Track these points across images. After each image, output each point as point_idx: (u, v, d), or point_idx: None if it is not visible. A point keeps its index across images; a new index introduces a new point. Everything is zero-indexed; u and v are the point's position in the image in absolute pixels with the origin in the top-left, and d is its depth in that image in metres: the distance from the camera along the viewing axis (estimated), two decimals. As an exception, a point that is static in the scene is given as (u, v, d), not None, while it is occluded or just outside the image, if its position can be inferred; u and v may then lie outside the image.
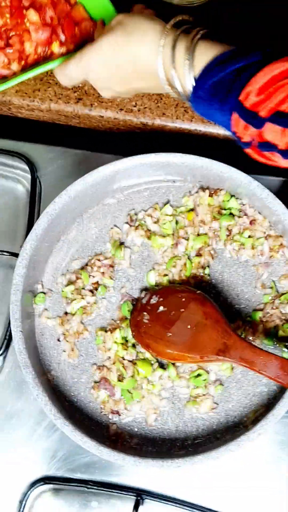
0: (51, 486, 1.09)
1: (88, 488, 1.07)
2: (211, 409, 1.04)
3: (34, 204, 1.17)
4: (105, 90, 1.03)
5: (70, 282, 1.09)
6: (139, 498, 1.05)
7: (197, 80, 0.91)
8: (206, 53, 0.91)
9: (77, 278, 1.09)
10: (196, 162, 1.05)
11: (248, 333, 1.05)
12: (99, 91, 1.04)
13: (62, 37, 1.12)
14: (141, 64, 0.95)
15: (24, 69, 1.12)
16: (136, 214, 1.12)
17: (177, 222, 1.10)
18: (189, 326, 1.02)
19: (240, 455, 1.06)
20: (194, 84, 0.92)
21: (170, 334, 1.02)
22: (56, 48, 1.12)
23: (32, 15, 1.11)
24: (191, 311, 1.03)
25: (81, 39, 1.13)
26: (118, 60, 0.96)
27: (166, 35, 0.93)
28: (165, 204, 1.12)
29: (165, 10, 1.07)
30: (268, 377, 0.96)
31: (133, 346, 1.06)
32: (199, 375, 1.05)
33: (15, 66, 1.12)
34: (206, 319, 1.01)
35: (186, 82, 0.93)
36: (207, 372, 1.05)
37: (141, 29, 0.94)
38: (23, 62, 1.12)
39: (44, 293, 1.09)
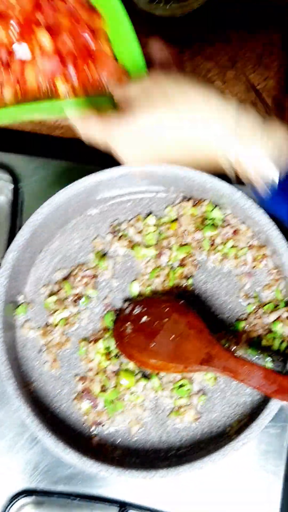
0: (33, 498, 1.08)
1: (71, 500, 1.07)
2: (195, 419, 1.04)
3: (16, 215, 1.17)
4: (132, 162, 0.92)
5: (53, 293, 1.09)
6: (122, 509, 1.05)
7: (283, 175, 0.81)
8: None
9: (60, 288, 1.09)
10: (179, 172, 1.05)
11: (231, 343, 1.05)
12: (122, 161, 0.92)
13: (73, 75, 0.94)
14: (196, 149, 0.84)
15: (19, 101, 0.96)
16: (119, 224, 1.12)
17: (160, 233, 1.10)
18: (172, 336, 1.02)
19: (223, 465, 1.05)
20: (277, 177, 0.82)
21: (154, 344, 1.02)
22: (60, 85, 0.95)
23: (44, 37, 0.92)
24: (174, 321, 1.03)
25: (96, 85, 0.97)
26: (162, 144, 0.84)
27: (238, 120, 0.80)
28: (148, 215, 1.12)
29: (148, 21, 1.07)
30: (252, 386, 0.96)
31: (116, 356, 1.06)
32: (182, 385, 1.05)
33: (8, 93, 0.95)
34: (190, 329, 1.01)
35: (264, 172, 0.82)
36: (191, 382, 1.05)
37: (196, 107, 0.80)
38: (18, 90, 0.96)
39: (27, 303, 1.09)
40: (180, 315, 1.03)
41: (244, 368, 0.97)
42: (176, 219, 1.10)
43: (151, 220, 1.11)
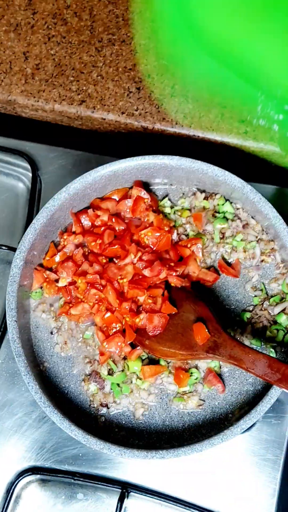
0: (38, 476, 1.11)
1: (74, 479, 1.09)
2: (198, 405, 1.07)
3: (34, 202, 1.20)
4: None
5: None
6: (124, 491, 1.07)
7: None
8: None
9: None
10: (192, 165, 1.09)
11: (236, 333, 1.08)
12: None
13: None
14: None
15: None
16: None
17: (175, 220, 1.13)
18: (182, 325, 1.05)
19: (225, 453, 1.08)
20: None
21: (164, 331, 1.05)
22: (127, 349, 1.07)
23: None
24: (183, 309, 1.06)
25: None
26: None
27: None
28: (164, 198, 1.15)
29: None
30: (256, 375, 0.98)
31: (124, 341, 1.09)
32: (191, 373, 1.07)
33: None
34: (198, 318, 1.04)
35: None
36: (199, 370, 1.07)
37: None
38: None
39: (41, 288, 1.12)
40: (189, 304, 1.06)
41: (249, 356, 0.99)
42: (189, 209, 1.13)
43: (167, 202, 1.14)
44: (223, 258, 1.12)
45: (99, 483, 1.09)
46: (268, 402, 0.99)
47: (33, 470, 1.10)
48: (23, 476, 1.10)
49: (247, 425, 0.99)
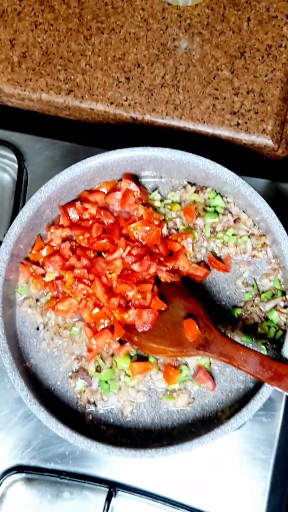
0: (23, 475, 1.09)
1: (61, 478, 1.08)
2: (188, 403, 1.05)
3: (20, 193, 1.18)
4: None
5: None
6: (112, 490, 1.06)
7: None
8: None
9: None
10: (183, 158, 1.06)
11: (227, 329, 1.06)
12: None
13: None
14: None
15: None
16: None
17: (165, 214, 1.11)
18: (171, 321, 1.03)
19: (216, 452, 1.06)
20: None
21: (153, 328, 1.03)
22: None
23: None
24: (173, 305, 1.04)
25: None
26: None
27: None
28: (153, 191, 1.13)
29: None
30: (248, 372, 0.97)
31: (113, 337, 1.07)
32: (180, 370, 1.05)
33: None
34: (188, 314, 1.02)
35: None
36: (188, 367, 1.06)
37: None
38: None
39: (27, 282, 1.09)
40: (180, 300, 1.04)
41: (241, 354, 0.97)
42: (179, 203, 1.11)
43: (157, 195, 1.12)
44: (213, 253, 1.10)
45: (86, 482, 1.07)
46: (260, 401, 0.98)
47: (18, 469, 1.09)
48: (8, 474, 1.08)
49: (238, 424, 0.97)
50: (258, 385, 1.02)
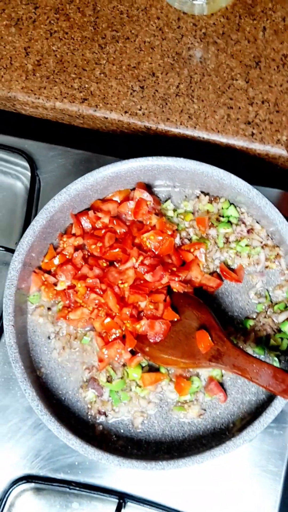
0: (33, 485, 1.08)
1: (70, 489, 1.07)
2: (199, 415, 1.04)
3: (33, 201, 1.17)
4: None
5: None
6: (121, 501, 1.05)
7: None
8: None
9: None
10: (197, 167, 1.06)
11: (239, 340, 1.05)
12: None
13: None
14: None
15: None
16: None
17: (178, 223, 1.11)
18: (184, 332, 1.02)
19: (226, 463, 1.05)
20: None
21: (165, 339, 1.02)
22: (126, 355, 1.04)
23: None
24: (186, 316, 1.03)
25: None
26: None
27: None
28: (166, 200, 1.12)
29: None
30: (260, 385, 0.96)
31: (124, 347, 1.06)
32: (192, 381, 1.05)
33: None
34: (201, 325, 1.01)
35: None
36: (200, 379, 1.05)
37: None
38: None
39: (39, 291, 1.09)
40: (192, 311, 1.03)
41: (254, 366, 0.96)
42: (192, 212, 1.11)
43: (170, 205, 1.11)
44: (226, 263, 1.09)
45: (95, 492, 1.06)
46: (272, 414, 0.97)
47: (27, 478, 1.08)
48: (17, 484, 1.07)
49: (250, 436, 0.96)
50: (270, 397, 1.01)
